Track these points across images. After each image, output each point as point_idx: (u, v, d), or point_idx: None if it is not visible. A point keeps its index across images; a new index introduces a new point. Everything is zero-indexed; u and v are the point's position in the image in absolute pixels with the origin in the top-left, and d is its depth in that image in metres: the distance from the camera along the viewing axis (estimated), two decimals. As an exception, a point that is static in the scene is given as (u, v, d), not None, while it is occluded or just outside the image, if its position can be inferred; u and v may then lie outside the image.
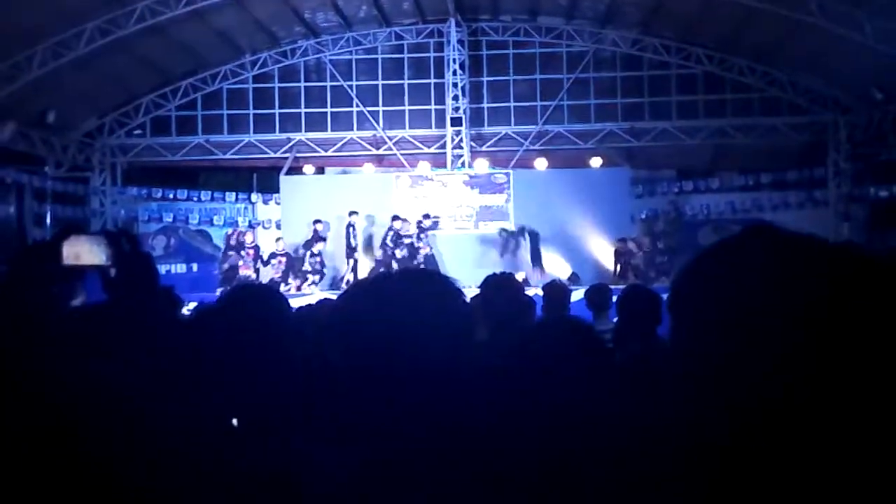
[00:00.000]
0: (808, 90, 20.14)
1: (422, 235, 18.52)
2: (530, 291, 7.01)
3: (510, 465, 1.48)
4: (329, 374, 1.63)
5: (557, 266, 18.52)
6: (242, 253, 18.14)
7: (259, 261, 18.22)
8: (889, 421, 0.94)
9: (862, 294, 0.96)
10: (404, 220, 18.53)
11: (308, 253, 18.35)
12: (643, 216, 20.79)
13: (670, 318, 1.08)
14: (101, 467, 1.17)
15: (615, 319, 5.78)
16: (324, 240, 18.53)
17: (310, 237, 18.50)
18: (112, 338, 1.85)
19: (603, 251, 19.27)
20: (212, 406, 1.83)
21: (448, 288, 1.66)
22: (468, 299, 1.70)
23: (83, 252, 2.07)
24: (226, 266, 18.13)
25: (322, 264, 18.41)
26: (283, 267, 18.24)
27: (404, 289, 1.62)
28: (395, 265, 17.52)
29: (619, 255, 18.74)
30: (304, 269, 18.29)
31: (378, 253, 18.77)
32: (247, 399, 2.09)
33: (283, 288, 16.91)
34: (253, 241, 18.52)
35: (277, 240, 18.89)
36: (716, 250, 1.07)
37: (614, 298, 6.41)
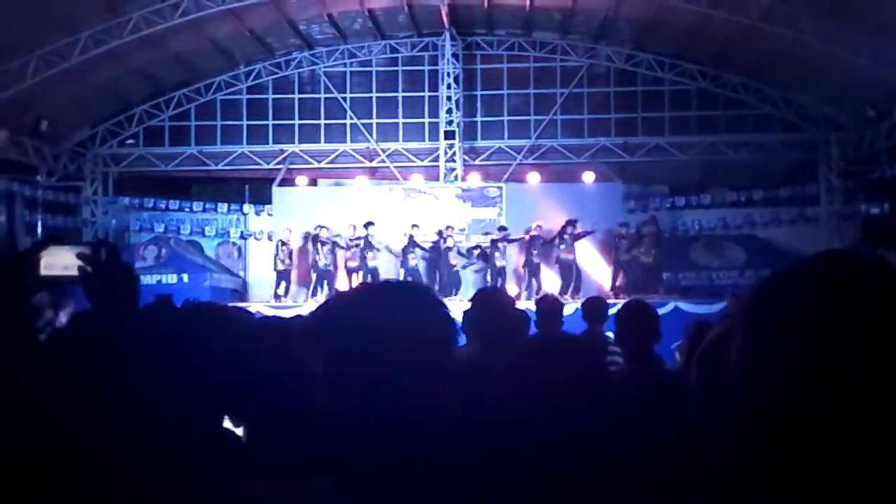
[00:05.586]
0: (801, 107, 20.19)
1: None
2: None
3: (496, 482, 1.44)
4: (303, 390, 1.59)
5: (549, 279, 18.50)
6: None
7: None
8: None
9: None
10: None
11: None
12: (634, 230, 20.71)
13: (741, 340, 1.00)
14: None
15: (609, 333, 5.76)
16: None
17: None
18: (85, 347, 1.81)
19: (594, 265, 19.24)
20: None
21: (428, 299, 1.64)
22: (451, 311, 1.67)
23: (60, 262, 2.02)
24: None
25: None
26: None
27: (384, 300, 1.60)
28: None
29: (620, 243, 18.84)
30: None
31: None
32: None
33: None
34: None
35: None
36: (785, 277, 1.01)
37: (611, 311, 6.39)
